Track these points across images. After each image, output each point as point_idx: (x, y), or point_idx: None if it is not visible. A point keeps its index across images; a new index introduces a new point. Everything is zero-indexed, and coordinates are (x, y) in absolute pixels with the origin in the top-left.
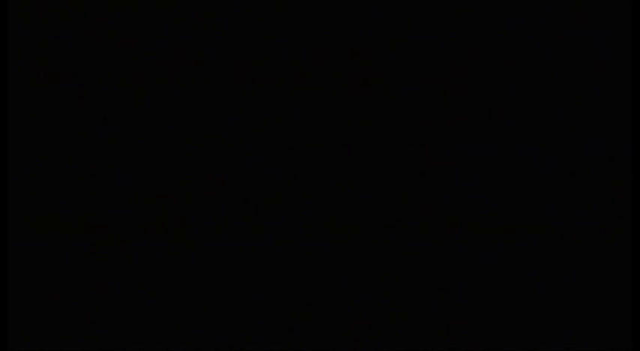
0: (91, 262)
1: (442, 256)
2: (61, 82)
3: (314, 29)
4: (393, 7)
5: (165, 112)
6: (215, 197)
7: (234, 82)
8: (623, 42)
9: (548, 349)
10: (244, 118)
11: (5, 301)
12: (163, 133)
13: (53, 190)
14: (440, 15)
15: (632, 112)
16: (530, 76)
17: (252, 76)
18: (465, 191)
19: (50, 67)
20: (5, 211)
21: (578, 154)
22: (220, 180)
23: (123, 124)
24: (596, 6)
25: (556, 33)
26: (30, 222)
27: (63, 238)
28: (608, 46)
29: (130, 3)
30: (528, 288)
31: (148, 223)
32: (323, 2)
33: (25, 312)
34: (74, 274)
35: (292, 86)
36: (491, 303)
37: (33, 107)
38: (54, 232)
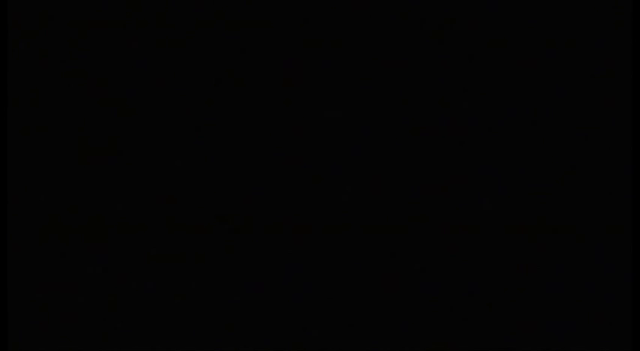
0: (91, 263)
1: (442, 257)
2: (61, 83)
3: (313, 29)
4: (394, 8)
5: (165, 112)
6: (214, 197)
7: (233, 83)
8: (623, 42)
9: (549, 349)
10: (243, 118)
11: (5, 301)
12: (162, 134)
13: (53, 190)
14: (440, 15)
15: (632, 112)
16: (531, 76)
17: (250, 77)
18: (465, 191)
19: (50, 67)
20: (5, 212)
21: (578, 154)
22: (220, 180)
23: (122, 124)
24: (596, 6)
25: (556, 33)
26: (30, 222)
27: (63, 238)
28: (608, 46)
29: (129, 3)
30: (528, 288)
31: (148, 223)
32: (322, 3)
33: (25, 312)
34: (74, 274)
35: (291, 86)
36: (491, 303)
37: (33, 107)
38: (54, 233)
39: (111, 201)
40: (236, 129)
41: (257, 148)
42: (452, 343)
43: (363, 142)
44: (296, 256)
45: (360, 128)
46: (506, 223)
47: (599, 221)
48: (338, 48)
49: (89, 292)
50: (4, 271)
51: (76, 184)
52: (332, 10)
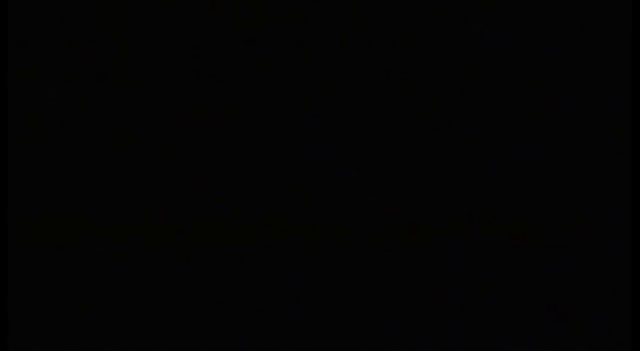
0: (91, 263)
1: (441, 257)
2: (61, 82)
3: (313, 29)
4: (393, 7)
5: (164, 112)
6: (214, 197)
7: (233, 83)
8: (623, 42)
9: (549, 349)
10: (242, 117)
11: (5, 301)
12: (162, 134)
13: (53, 190)
14: (440, 15)
15: (632, 112)
16: (531, 76)
17: (250, 77)
18: (465, 191)
19: (50, 67)
20: (5, 211)
21: (579, 154)
22: (219, 180)
23: (121, 124)
24: (596, 6)
25: (556, 33)
26: (30, 222)
27: (63, 238)
28: (608, 46)
29: (129, 3)
30: (528, 288)
31: (147, 224)
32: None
33: (25, 312)
34: (74, 274)
35: (289, 87)
36: (491, 303)
37: (33, 107)
38: (54, 233)
39: (111, 201)
40: (236, 129)
41: (256, 148)
42: (452, 343)
43: (362, 142)
44: (296, 256)
45: (359, 128)
46: (507, 223)
47: (599, 221)
48: (340, 48)
49: (89, 292)
50: (4, 271)
51: (75, 184)
52: (332, 10)
